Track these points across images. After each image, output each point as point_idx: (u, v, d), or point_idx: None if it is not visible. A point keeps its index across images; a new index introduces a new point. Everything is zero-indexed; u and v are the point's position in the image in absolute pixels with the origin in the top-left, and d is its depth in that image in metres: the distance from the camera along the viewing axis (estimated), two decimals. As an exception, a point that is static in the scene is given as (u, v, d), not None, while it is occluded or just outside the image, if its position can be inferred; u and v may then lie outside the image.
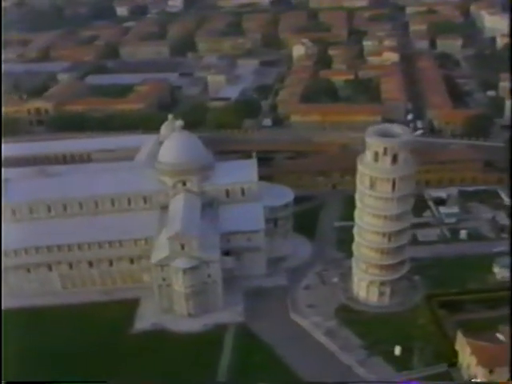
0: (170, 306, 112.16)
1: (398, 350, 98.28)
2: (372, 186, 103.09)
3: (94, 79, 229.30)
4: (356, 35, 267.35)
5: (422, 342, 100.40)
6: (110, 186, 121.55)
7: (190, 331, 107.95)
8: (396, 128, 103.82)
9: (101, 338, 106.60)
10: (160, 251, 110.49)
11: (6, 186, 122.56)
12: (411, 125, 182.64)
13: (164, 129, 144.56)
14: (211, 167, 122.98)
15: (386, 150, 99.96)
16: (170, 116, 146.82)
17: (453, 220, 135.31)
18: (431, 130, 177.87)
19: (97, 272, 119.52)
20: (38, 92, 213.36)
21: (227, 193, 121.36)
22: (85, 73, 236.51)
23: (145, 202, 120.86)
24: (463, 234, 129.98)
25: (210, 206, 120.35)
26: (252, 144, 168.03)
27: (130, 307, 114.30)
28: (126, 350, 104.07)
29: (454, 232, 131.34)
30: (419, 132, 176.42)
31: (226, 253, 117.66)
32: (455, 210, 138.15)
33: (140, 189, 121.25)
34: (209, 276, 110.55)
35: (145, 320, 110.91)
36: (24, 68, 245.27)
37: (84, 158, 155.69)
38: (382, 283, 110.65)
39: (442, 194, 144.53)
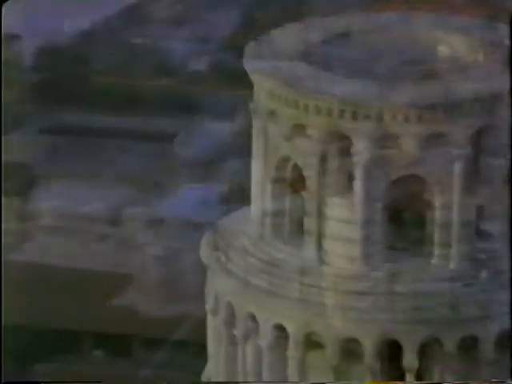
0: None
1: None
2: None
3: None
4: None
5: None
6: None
7: (156, 315, 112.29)
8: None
9: (82, 302, 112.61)
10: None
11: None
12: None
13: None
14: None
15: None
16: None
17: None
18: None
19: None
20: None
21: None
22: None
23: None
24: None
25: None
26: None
27: (127, 282, 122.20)
28: (90, 318, 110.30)
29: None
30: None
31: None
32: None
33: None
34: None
35: (127, 297, 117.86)
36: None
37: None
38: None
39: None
